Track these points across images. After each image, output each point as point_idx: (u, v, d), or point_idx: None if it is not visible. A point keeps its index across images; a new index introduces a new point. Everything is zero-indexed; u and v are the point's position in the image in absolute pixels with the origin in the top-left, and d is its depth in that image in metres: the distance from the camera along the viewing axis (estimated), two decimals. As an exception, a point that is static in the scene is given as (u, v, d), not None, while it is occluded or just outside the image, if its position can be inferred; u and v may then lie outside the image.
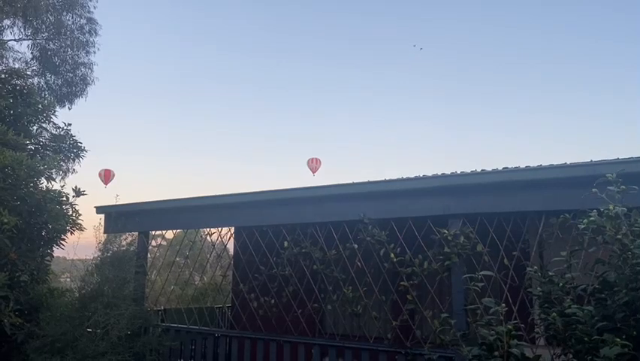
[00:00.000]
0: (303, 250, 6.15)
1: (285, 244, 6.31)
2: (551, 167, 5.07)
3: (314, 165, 18.14)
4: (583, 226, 3.24)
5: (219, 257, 8.65)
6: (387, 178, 6.75)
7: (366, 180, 6.12)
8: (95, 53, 19.20)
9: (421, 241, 5.38)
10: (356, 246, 5.75)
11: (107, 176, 17.61)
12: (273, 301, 6.49)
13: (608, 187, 3.40)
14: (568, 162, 5.70)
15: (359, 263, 5.78)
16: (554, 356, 3.58)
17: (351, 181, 6.29)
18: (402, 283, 5.42)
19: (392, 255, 5.43)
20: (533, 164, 5.79)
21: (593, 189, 3.42)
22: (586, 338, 2.93)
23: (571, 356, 3.23)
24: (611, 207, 3.20)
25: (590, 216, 3.21)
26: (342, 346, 5.76)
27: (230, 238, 7.33)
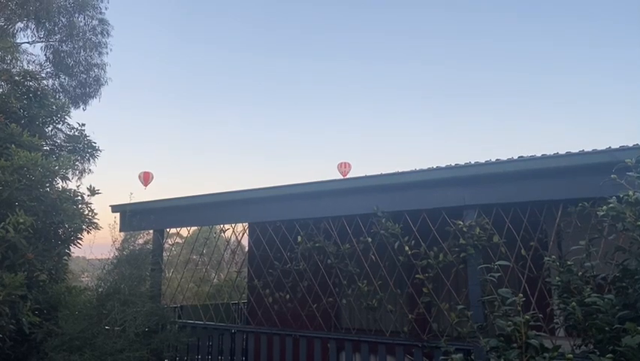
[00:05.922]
0: (317, 245, 6.12)
1: (299, 238, 6.28)
2: (568, 155, 4.97)
3: (344, 169, 18.17)
4: (602, 213, 3.16)
5: (234, 254, 8.67)
6: (400, 170, 6.68)
7: (379, 173, 6.07)
8: (107, 53, 19.40)
9: (436, 233, 5.31)
10: (370, 239, 5.70)
11: (146, 178, 17.84)
12: (287, 296, 6.48)
13: (628, 173, 3.31)
14: (585, 150, 5.59)
15: (373, 257, 5.73)
16: (574, 347, 3.50)
17: (364, 174, 6.24)
18: (417, 275, 5.36)
19: (407, 248, 5.37)
20: (549, 152, 5.69)
21: (612, 175, 3.32)
22: (607, 328, 2.85)
23: (591, 346, 3.15)
24: (630, 193, 3.11)
25: (610, 203, 3.13)
26: (358, 340, 5.73)
27: (244, 234, 7.33)
